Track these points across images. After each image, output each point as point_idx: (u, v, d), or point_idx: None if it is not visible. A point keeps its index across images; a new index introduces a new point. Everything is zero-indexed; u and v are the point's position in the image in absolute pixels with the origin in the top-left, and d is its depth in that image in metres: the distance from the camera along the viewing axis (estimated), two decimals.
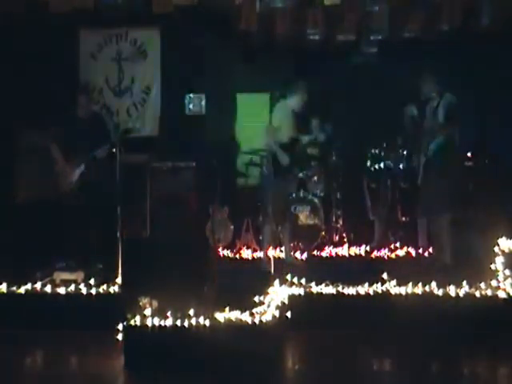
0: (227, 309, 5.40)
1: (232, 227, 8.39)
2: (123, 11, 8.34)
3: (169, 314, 5.31)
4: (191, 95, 9.00)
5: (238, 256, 8.15)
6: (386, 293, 6.18)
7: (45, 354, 5.83)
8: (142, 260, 6.05)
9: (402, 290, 6.16)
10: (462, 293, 6.08)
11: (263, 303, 5.67)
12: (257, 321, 5.30)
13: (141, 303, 5.48)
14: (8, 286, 6.42)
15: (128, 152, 7.60)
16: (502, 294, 6.05)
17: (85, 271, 6.67)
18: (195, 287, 5.80)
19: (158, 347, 5.23)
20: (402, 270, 6.65)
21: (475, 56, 8.73)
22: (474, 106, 8.01)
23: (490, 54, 8.64)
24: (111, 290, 6.34)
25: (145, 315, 5.33)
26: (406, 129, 7.86)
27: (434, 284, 6.16)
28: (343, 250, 8.18)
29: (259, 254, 8.01)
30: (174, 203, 8.21)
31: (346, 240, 8.40)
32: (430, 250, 7.63)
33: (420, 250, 7.81)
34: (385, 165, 8.38)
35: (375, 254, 8.00)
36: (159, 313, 5.35)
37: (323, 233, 8.29)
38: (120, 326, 5.40)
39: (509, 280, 6.19)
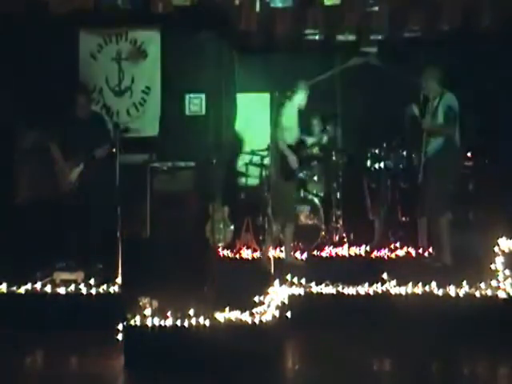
0: (227, 309, 5.40)
1: (232, 227, 8.39)
2: (123, 11, 8.33)
3: (169, 314, 5.32)
4: (191, 95, 8.99)
5: (237, 256, 8.13)
6: (386, 293, 6.19)
7: (45, 354, 5.83)
8: (142, 260, 6.06)
9: (402, 290, 6.17)
10: (462, 293, 6.09)
11: (263, 303, 5.68)
12: (257, 321, 5.30)
13: (141, 303, 5.48)
14: (8, 286, 6.43)
15: (128, 152, 7.62)
16: (502, 294, 6.05)
17: (85, 271, 6.67)
18: (195, 287, 5.81)
19: (158, 347, 5.23)
20: (401, 270, 6.65)
21: (475, 56, 8.73)
22: (474, 106, 8.00)
23: (490, 53, 8.64)
24: (111, 289, 6.35)
25: (145, 315, 5.34)
26: (406, 128, 7.87)
27: (433, 284, 6.17)
28: (343, 250, 8.17)
29: (260, 254, 8.01)
30: (174, 203, 8.21)
31: (345, 240, 8.39)
32: (430, 249, 7.63)
33: (420, 250, 7.81)
34: (385, 165, 8.37)
35: (375, 254, 7.99)
36: (159, 313, 5.35)
37: (323, 233, 8.28)
38: (120, 326, 5.40)
39: (509, 280, 6.19)
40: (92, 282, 6.44)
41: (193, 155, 8.52)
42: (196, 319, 5.29)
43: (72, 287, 6.38)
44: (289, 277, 6.36)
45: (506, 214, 7.64)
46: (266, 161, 8.57)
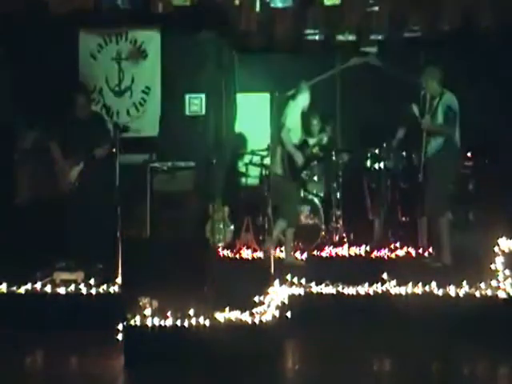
0: (227, 309, 5.40)
1: (232, 227, 8.39)
2: (123, 11, 8.33)
3: (169, 314, 5.32)
4: (191, 95, 8.99)
5: (238, 256, 8.13)
6: (386, 293, 6.18)
7: (45, 354, 5.82)
8: (142, 260, 6.06)
9: (402, 290, 6.16)
10: (462, 293, 6.08)
11: (263, 303, 5.68)
12: (257, 321, 5.30)
13: (141, 303, 5.48)
14: (8, 286, 6.42)
15: (128, 152, 7.62)
16: (502, 294, 6.05)
17: (85, 271, 6.66)
18: (195, 287, 5.81)
19: (158, 347, 5.23)
20: (401, 270, 6.64)
21: (475, 56, 8.74)
22: (474, 106, 8.00)
23: (489, 53, 8.64)
24: (111, 289, 6.34)
25: (145, 315, 5.33)
26: (406, 128, 7.87)
27: (433, 284, 6.16)
28: (343, 250, 8.17)
29: (260, 254, 8.02)
30: (174, 203, 8.21)
31: (345, 240, 8.39)
32: (430, 249, 7.63)
33: (420, 250, 7.81)
34: (385, 165, 8.38)
35: (375, 254, 7.99)
36: (159, 313, 5.35)
37: (323, 233, 8.28)
38: (120, 326, 5.40)
39: (509, 280, 6.19)
40: (92, 282, 6.44)
41: (193, 155, 8.52)
42: (196, 319, 5.29)
43: (72, 287, 6.38)
44: (289, 277, 6.35)
45: (506, 214, 7.64)
46: (266, 161, 8.59)
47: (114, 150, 6.96)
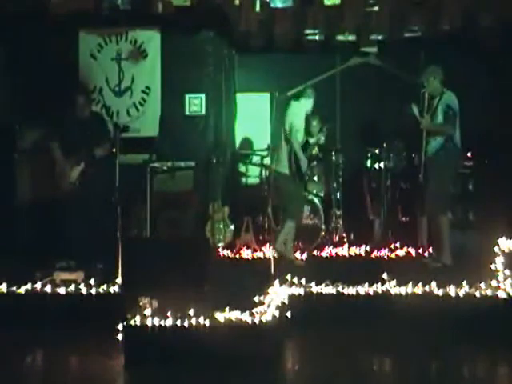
0: (227, 309, 5.40)
1: (232, 227, 8.39)
2: (123, 11, 8.34)
3: (169, 314, 5.31)
4: (191, 95, 8.99)
5: (238, 256, 8.13)
6: (386, 293, 6.18)
7: (45, 354, 5.82)
8: (142, 260, 6.06)
9: (402, 290, 6.16)
10: (461, 293, 6.08)
11: (263, 303, 5.67)
12: (257, 321, 5.30)
13: (141, 303, 5.48)
14: (8, 286, 6.41)
15: (128, 152, 7.62)
16: (502, 294, 6.04)
17: (85, 271, 6.66)
18: (195, 287, 5.81)
19: (158, 347, 5.23)
20: (401, 270, 6.64)
21: (475, 56, 8.73)
22: (474, 106, 8.00)
23: (490, 53, 8.64)
24: (111, 289, 6.34)
25: (145, 315, 5.33)
26: (407, 128, 7.87)
27: (433, 284, 6.16)
28: (343, 250, 8.17)
29: (260, 254, 8.03)
30: (174, 203, 8.22)
31: (346, 240, 8.39)
32: (430, 249, 7.62)
33: (420, 250, 7.80)
34: (385, 165, 8.38)
35: (375, 254, 7.99)
36: (159, 313, 5.35)
37: (323, 233, 8.28)
38: (120, 326, 5.39)
39: (509, 280, 6.18)
40: (92, 282, 6.43)
41: (193, 155, 8.52)
42: (196, 319, 5.29)
43: (72, 287, 6.38)
44: (289, 277, 6.35)
45: (506, 213, 7.64)
46: (266, 161, 8.59)
47: (114, 150, 6.97)
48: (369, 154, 8.54)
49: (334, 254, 8.09)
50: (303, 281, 6.33)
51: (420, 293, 6.14)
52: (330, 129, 8.19)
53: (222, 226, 8.32)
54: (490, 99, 8.72)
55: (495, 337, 5.70)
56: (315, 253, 8.06)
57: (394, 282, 6.23)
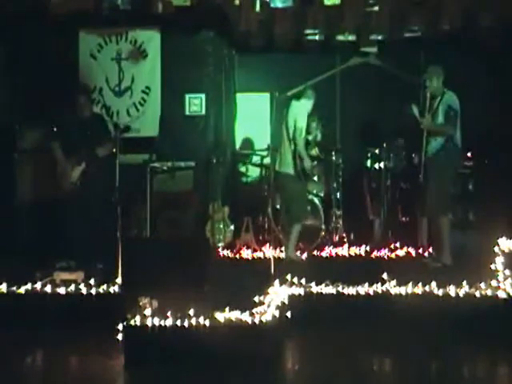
0: (227, 309, 5.40)
1: (232, 227, 8.39)
2: (123, 11, 8.34)
3: (169, 314, 5.31)
4: (191, 95, 8.99)
5: (238, 256, 8.13)
6: (386, 293, 6.18)
7: (45, 354, 5.82)
8: (142, 260, 6.06)
9: (402, 290, 6.16)
10: (461, 293, 6.08)
11: (263, 303, 5.67)
12: (257, 321, 5.30)
13: (141, 303, 5.48)
14: (8, 286, 6.41)
15: (128, 152, 7.62)
16: (502, 294, 6.04)
17: (85, 271, 6.66)
18: (195, 287, 5.81)
19: (158, 347, 5.23)
20: (401, 270, 6.64)
21: (475, 56, 8.74)
22: (474, 106, 7.99)
23: (490, 53, 8.64)
24: (111, 289, 6.34)
25: (145, 315, 5.33)
26: (407, 128, 7.87)
27: (433, 284, 6.16)
28: (343, 250, 8.17)
29: (260, 254, 8.04)
30: (174, 203, 8.22)
31: (346, 240, 8.39)
32: (430, 249, 7.62)
33: (420, 250, 7.80)
34: (385, 165, 8.38)
35: (375, 254, 7.99)
36: (159, 313, 5.35)
37: (323, 233, 8.28)
38: (120, 326, 5.39)
39: (509, 280, 6.18)
40: (92, 282, 6.43)
41: (193, 155, 8.52)
42: (196, 319, 5.29)
43: (72, 287, 6.38)
44: (289, 277, 6.35)
45: (506, 213, 7.63)
46: (266, 161, 8.59)
47: (114, 150, 6.97)
48: (369, 154, 8.54)
49: (333, 254, 8.09)
50: (303, 281, 6.33)
51: (420, 293, 6.14)
52: (325, 125, 8.22)
53: (222, 226, 8.33)
54: (490, 99, 8.72)
55: (495, 337, 5.70)
56: (315, 253, 8.06)
57: (394, 282, 6.23)
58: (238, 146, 9.43)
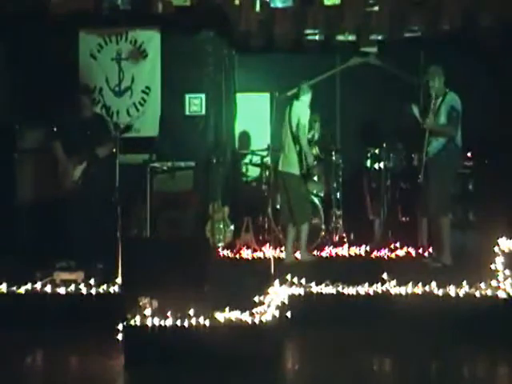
0: (227, 309, 5.40)
1: (232, 227, 8.39)
2: (123, 11, 8.34)
3: (169, 314, 5.31)
4: (191, 95, 8.99)
5: (238, 256, 8.14)
6: (386, 293, 6.18)
7: (45, 354, 5.82)
8: (142, 260, 6.06)
9: (402, 290, 6.16)
10: (461, 293, 6.07)
11: (263, 303, 5.67)
12: (257, 321, 5.30)
13: (141, 303, 5.48)
14: (8, 286, 6.41)
15: (128, 152, 7.62)
16: (502, 294, 6.04)
17: (85, 271, 6.66)
18: (195, 287, 5.81)
19: (158, 347, 5.23)
20: (401, 270, 6.64)
21: (475, 56, 8.73)
22: (474, 106, 7.99)
23: (490, 53, 8.64)
24: (111, 289, 6.34)
25: (145, 315, 5.33)
26: (407, 128, 7.87)
27: (433, 284, 6.16)
28: (343, 250, 8.18)
29: (260, 254, 8.04)
30: (174, 203, 8.22)
31: (346, 240, 8.40)
32: (430, 249, 7.62)
33: (420, 250, 7.81)
34: (385, 165, 8.38)
35: (375, 254, 7.99)
36: (159, 313, 5.35)
37: (323, 233, 8.28)
38: (120, 326, 5.39)
39: (509, 280, 6.18)
40: (92, 282, 6.43)
41: (193, 155, 8.52)
42: (196, 319, 5.29)
43: (72, 287, 6.38)
44: (289, 277, 6.35)
45: (506, 213, 7.63)
46: (266, 160, 8.59)
47: (114, 150, 6.98)
48: (369, 154, 8.54)
49: (334, 254, 8.10)
50: (303, 281, 6.33)
51: (420, 293, 6.13)
52: (323, 125, 8.22)
53: (222, 226, 8.33)
54: (490, 99, 8.72)
55: (495, 337, 5.70)
56: (315, 253, 8.06)
57: (394, 282, 6.23)
58: (237, 144, 9.43)
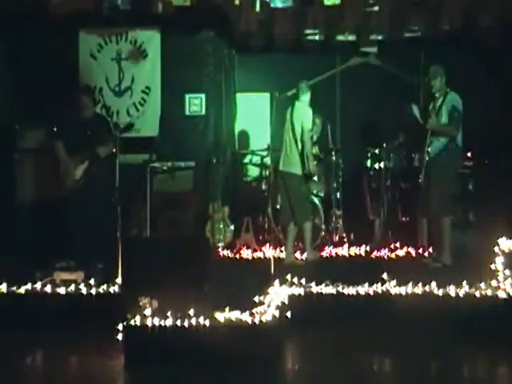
0: (227, 309, 5.40)
1: (232, 227, 8.39)
2: (123, 11, 8.34)
3: (169, 314, 5.31)
4: (191, 95, 8.99)
5: (238, 256, 8.14)
6: (386, 293, 6.18)
7: (45, 354, 5.82)
8: (142, 260, 6.06)
9: (402, 290, 6.16)
10: (461, 293, 6.08)
11: (263, 303, 5.67)
12: (257, 321, 5.30)
13: (141, 303, 5.48)
14: (8, 286, 6.41)
15: (128, 152, 7.62)
16: (502, 294, 6.04)
17: (85, 271, 6.66)
18: (195, 287, 5.81)
19: (158, 347, 5.23)
20: (401, 270, 6.64)
21: (475, 56, 8.73)
22: (474, 106, 7.99)
23: (490, 53, 8.64)
24: (111, 289, 6.34)
25: (145, 315, 5.33)
26: (408, 128, 7.87)
27: (433, 284, 6.16)
28: (343, 250, 8.18)
29: (260, 254, 8.04)
30: (174, 203, 8.22)
31: (346, 240, 8.40)
32: (430, 249, 7.62)
33: (420, 250, 7.81)
34: (385, 165, 8.37)
35: (375, 254, 7.99)
36: (159, 313, 5.35)
37: (323, 233, 8.28)
38: (120, 326, 5.39)
39: (509, 280, 6.18)
40: (92, 282, 6.43)
41: (193, 155, 8.52)
42: (196, 319, 5.29)
43: (72, 287, 6.38)
44: (289, 277, 6.35)
45: (506, 213, 7.63)
46: (266, 160, 8.59)
47: (114, 150, 6.98)
48: (369, 154, 8.54)
49: (334, 254, 8.10)
50: (303, 281, 6.33)
51: (420, 293, 6.13)
52: (322, 127, 8.23)
53: (222, 226, 8.33)
54: (490, 99, 8.72)
55: (495, 337, 5.70)
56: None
57: (394, 282, 6.23)
58: (237, 144, 9.43)
